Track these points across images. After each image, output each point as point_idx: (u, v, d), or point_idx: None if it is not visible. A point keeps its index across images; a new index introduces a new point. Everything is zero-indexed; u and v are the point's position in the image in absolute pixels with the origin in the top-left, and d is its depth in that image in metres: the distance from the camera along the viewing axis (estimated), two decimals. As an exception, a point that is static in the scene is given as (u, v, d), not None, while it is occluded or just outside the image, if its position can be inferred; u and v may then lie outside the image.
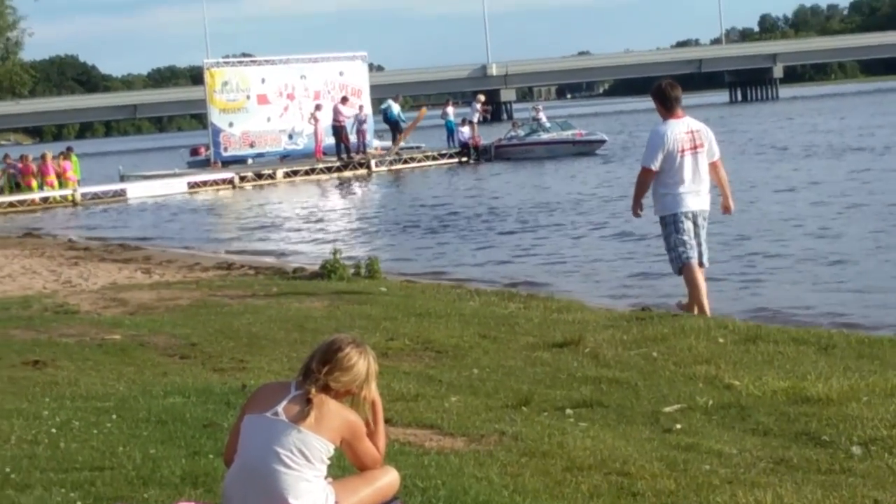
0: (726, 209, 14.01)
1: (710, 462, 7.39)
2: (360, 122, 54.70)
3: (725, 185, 13.85)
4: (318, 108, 54.63)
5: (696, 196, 13.43)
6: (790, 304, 16.15)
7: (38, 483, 6.90)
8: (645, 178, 13.52)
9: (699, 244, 13.50)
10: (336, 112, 53.02)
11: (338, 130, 52.96)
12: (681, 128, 13.43)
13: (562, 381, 10.21)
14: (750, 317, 14.66)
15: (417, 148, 59.86)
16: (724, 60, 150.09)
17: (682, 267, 13.49)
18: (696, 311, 13.48)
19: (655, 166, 13.35)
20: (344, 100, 54.40)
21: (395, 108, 56.83)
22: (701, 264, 13.54)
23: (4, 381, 10.39)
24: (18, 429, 8.35)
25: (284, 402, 5.74)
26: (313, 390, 5.71)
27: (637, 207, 13.75)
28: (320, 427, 5.69)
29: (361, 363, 5.83)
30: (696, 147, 13.40)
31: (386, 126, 58.34)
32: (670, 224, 13.48)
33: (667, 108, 13.52)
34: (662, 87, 13.65)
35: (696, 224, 13.48)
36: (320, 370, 5.75)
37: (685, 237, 13.38)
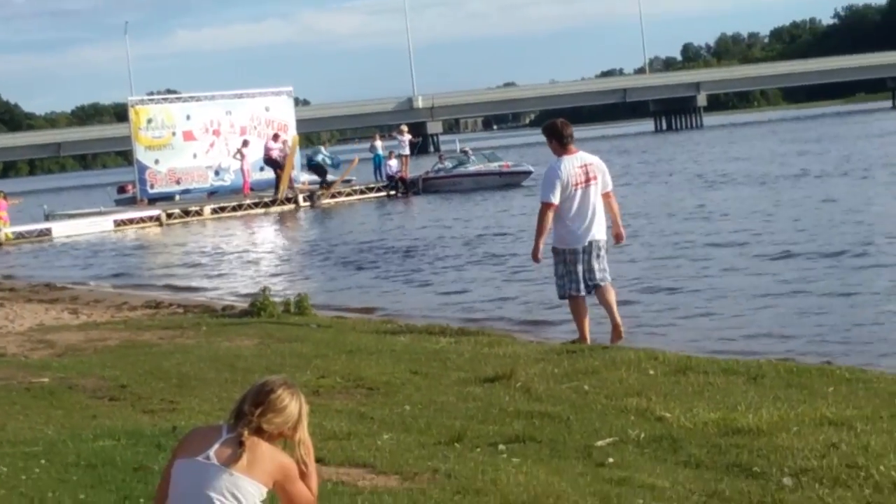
0: (618, 238, 14.83)
1: (644, 496, 7.41)
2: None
3: (617, 216, 14.80)
4: (244, 143, 54.50)
5: (589, 230, 14.23)
6: (716, 335, 16.23)
7: (-34, 533, 6.82)
8: (545, 213, 14.23)
9: (591, 270, 14.27)
10: (267, 149, 52.97)
11: (274, 163, 52.83)
12: (575, 162, 14.27)
13: (494, 416, 10.21)
14: (680, 348, 14.72)
15: (347, 182, 59.84)
16: (649, 90, 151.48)
17: (566, 299, 14.48)
18: (585, 341, 14.27)
19: (555, 200, 14.11)
20: (275, 136, 54.40)
21: (322, 153, 56.34)
22: (597, 286, 14.32)
23: (-70, 428, 10.26)
24: (-55, 477, 8.25)
25: (216, 446, 5.69)
26: (246, 433, 5.67)
27: (537, 251, 14.56)
28: (253, 470, 5.65)
29: (293, 404, 5.80)
30: (588, 180, 14.24)
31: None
32: (560, 255, 14.39)
33: (562, 144, 14.34)
34: (557, 125, 14.48)
35: (589, 254, 14.27)
36: (253, 412, 5.71)
37: (572, 270, 14.26)
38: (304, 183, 56.33)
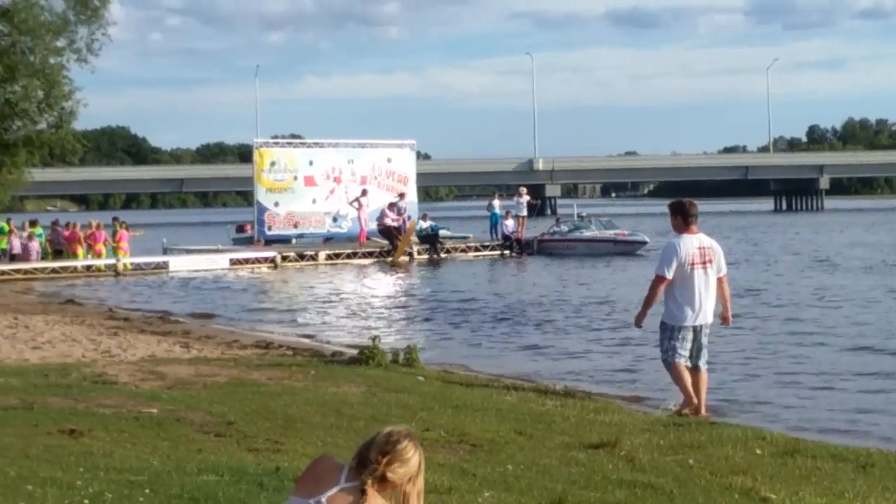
0: (725, 320, 15.52)
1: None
2: (400, 209, 54.55)
3: (727, 300, 15.26)
4: (363, 192, 54.95)
5: (700, 310, 14.66)
6: (827, 417, 16.00)
7: (69, 554, 6.89)
8: (658, 286, 14.73)
9: (698, 350, 14.78)
10: (382, 214, 53.25)
11: (387, 231, 53.10)
12: (694, 242, 14.75)
13: (596, 482, 10.14)
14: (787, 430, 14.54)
15: (465, 238, 60.00)
16: (771, 169, 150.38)
17: (670, 366, 14.84)
18: (688, 409, 14.70)
19: (669, 275, 14.56)
20: (401, 195, 54.91)
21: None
22: (696, 368, 14.80)
23: (40, 449, 10.40)
24: (52, 498, 8.35)
25: (333, 491, 5.69)
26: (370, 481, 5.68)
27: (642, 318, 15.19)
28: (361, 525, 5.65)
29: (416, 457, 5.81)
30: (705, 262, 14.67)
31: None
32: (668, 331, 14.79)
33: (686, 223, 14.82)
34: (684, 204, 15.01)
35: (696, 335, 14.76)
36: (379, 461, 5.71)
37: (677, 345, 14.66)
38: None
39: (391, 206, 53.97)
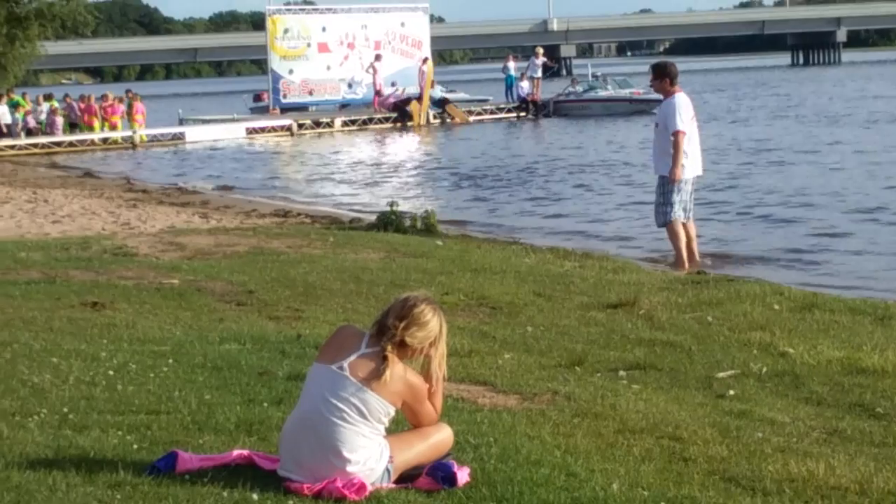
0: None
1: (763, 430, 7.37)
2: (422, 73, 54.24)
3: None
4: (377, 58, 54.66)
5: (697, 162, 15.67)
6: (846, 271, 16.07)
7: (95, 424, 6.97)
8: (682, 140, 15.38)
9: (691, 202, 15.83)
10: (383, 98, 53.10)
11: (394, 107, 52.98)
12: (686, 100, 15.66)
13: (615, 342, 10.20)
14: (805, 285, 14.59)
15: (484, 101, 59.77)
16: (788, 23, 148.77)
17: (668, 222, 15.64)
18: (682, 264, 15.61)
19: (686, 129, 15.41)
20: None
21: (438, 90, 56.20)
22: (687, 220, 15.80)
23: (64, 322, 10.49)
24: (77, 370, 8.44)
25: (353, 357, 5.76)
26: (389, 346, 5.74)
27: (678, 171, 15.53)
28: (384, 389, 5.71)
29: (435, 320, 5.86)
30: (694, 117, 15.74)
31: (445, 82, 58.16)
32: (673, 184, 15.48)
33: (672, 83, 15.54)
34: (669, 66, 15.76)
35: (691, 186, 15.79)
36: (397, 326, 5.77)
37: (676, 199, 15.51)
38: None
39: (384, 93, 53.68)
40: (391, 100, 53.02)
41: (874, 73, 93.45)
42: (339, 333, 6.03)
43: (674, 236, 15.76)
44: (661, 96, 16.06)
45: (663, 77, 15.57)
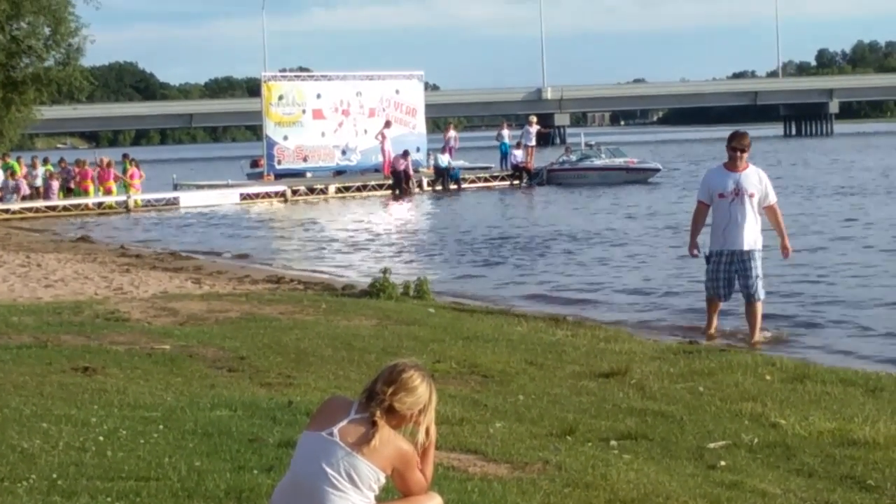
0: None
1: (754, 501, 7.37)
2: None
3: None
4: (387, 124, 54.94)
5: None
6: (838, 344, 16.04)
7: (84, 491, 6.96)
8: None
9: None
10: (396, 160, 53.03)
11: (397, 174, 53.00)
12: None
13: (607, 411, 10.20)
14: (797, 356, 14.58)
15: (487, 168, 59.96)
16: (780, 94, 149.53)
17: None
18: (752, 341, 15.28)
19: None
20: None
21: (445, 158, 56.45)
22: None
23: (54, 387, 10.47)
24: (66, 435, 8.42)
25: (343, 423, 5.76)
26: (378, 412, 5.74)
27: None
28: (373, 454, 5.71)
29: (424, 387, 5.86)
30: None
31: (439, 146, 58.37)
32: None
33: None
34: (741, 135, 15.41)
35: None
36: (385, 391, 5.78)
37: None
38: (428, 168, 56.59)
39: (405, 154, 53.57)
40: (401, 166, 52.90)
41: (869, 144, 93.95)
42: (329, 403, 6.04)
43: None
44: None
45: (748, 149, 15.23)
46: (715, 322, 15.82)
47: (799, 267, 21.85)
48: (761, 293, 15.28)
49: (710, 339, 15.29)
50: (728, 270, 15.21)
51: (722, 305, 15.83)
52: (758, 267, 15.16)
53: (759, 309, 15.37)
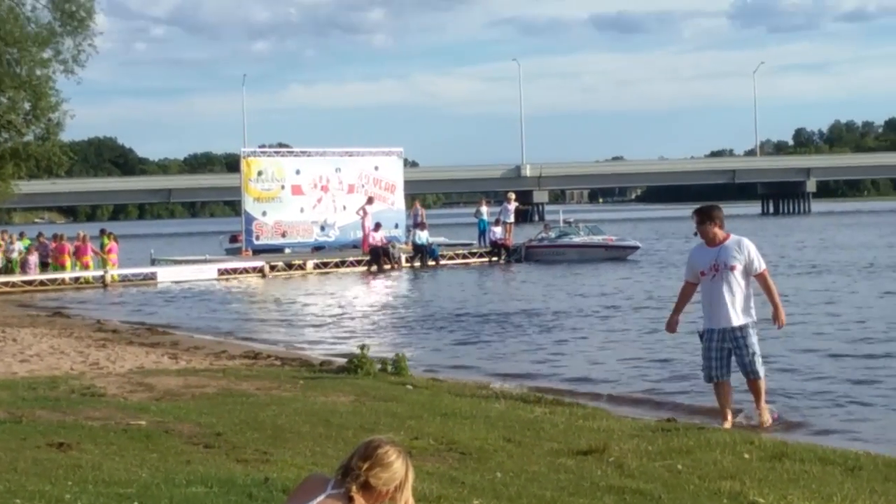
0: None
1: (733, 581, 7.33)
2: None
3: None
4: (369, 201, 55.13)
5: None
6: (818, 421, 16.01)
7: (57, 568, 6.89)
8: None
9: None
10: (367, 234, 53.32)
11: (375, 251, 53.19)
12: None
13: (585, 489, 10.15)
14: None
15: (467, 245, 59.99)
16: (758, 172, 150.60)
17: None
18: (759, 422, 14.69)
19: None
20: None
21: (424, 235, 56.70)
22: None
23: (28, 463, 10.39)
24: (40, 512, 8.35)
25: (319, 499, 5.73)
26: (354, 487, 5.71)
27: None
28: (350, 532, 5.67)
29: (399, 463, 5.84)
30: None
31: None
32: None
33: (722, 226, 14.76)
34: (713, 209, 14.88)
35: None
36: (360, 467, 5.76)
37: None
38: (406, 243, 56.69)
39: (377, 227, 53.88)
40: (379, 243, 53.08)
41: (845, 223, 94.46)
42: (307, 481, 6.02)
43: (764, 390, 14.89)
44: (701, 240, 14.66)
45: (712, 221, 14.53)
46: (727, 407, 14.66)
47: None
48: (760, 370, 14.47)
49: (730, 424, 14.35)
50: (720, 349, 14.43)
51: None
52: (753, 343, 14.39)
53: (762, 386, 14.65)
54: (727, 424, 14.29)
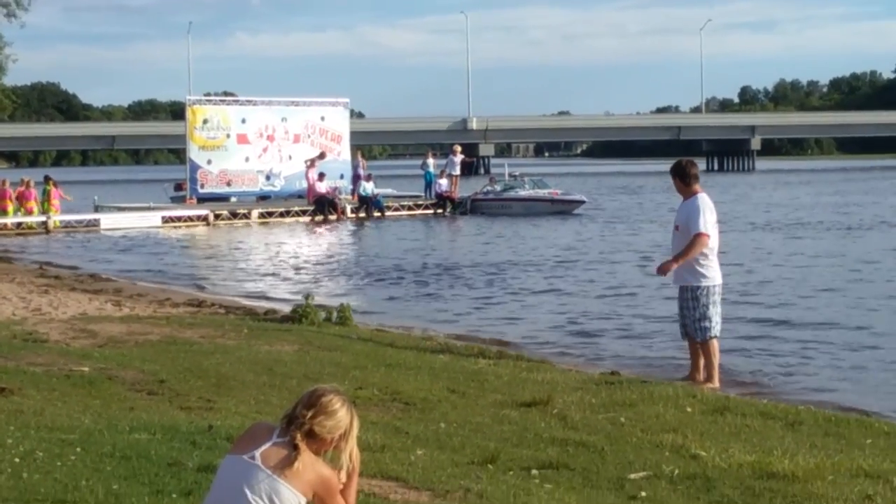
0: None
1: (674, 532, 7.39)
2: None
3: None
4: (321, 155, 54.96)
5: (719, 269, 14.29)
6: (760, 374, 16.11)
7: (-1, 513, 6.86)
8: (703, 244, 13.91)
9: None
10: (313, 185, 53.16)
11: (323, 199, 53.06)
12: (710, 201, 14.26)
13: (529, 440, 10.20)
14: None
15: (415, 197, 59.80)
16: (703, 129, 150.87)
17: (711, 338, 14.11)
18: (705, 381, 14.08)
19: (710, 233, 13.97)
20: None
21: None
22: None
23: (-30, 407, 10.33)
24: (-18, 456, 8.30)
25: (265, 447, 5.72)
26: (298, 435, 5.71)
27: (672, 267, 14.10)
28: (295, 478, 5.66)
29: (343, 411, 5.83)
30: (716, 220, 14.32)
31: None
32: (712, 294, 14.09)
33: (691, 183, 14.23)
34: (687, 164, 14.35)
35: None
36: (305, 415, 5.75)
37: (716, 311, 14.12)
38: (353, 195, 56.55)
39: (321, 177, 53.71)
40: (323, 189, 52.95)
41: (791, 181, 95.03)
42: (252, 428, 6.01)
43: (713, 354, 14.16)
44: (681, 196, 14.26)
45: (682, 177, 14.17)
46: (699, 364, 14.29)
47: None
48: (701, 334, 14.03)
49: (697, 383, 13.98)
50: (679, 307, 14.33)
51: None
52: (696, 306, 14.00)
53: (712, 349, 14.15)
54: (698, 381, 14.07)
